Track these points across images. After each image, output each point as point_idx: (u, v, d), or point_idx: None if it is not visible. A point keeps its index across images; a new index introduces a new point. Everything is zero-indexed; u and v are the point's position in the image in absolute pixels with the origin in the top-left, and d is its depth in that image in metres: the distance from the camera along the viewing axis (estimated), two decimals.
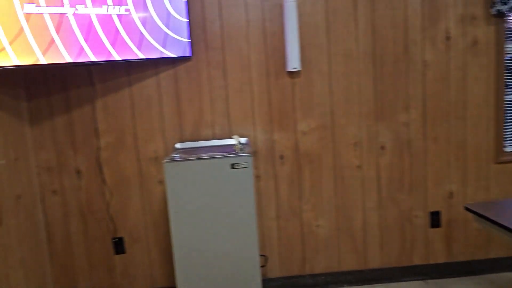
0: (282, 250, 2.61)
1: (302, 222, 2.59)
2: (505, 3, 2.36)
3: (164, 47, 2.28)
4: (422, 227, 2.62)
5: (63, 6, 1.93)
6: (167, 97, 2.45)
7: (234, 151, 2.13)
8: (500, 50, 2.48)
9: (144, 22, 2.20)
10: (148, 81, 2.43)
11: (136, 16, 2.17)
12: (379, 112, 2.50)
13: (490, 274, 2.64)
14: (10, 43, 1.80)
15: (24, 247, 2.28)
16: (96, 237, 2.56)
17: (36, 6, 1.86)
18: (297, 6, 2.35)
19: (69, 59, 1.97)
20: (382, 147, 2.53)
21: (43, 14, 1.88)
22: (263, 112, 2.47)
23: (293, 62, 2.37)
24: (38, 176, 2.49)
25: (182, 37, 2.34)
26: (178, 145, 2.42)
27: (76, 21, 1.98)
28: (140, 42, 2.20)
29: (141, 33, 2.20)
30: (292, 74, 2.45)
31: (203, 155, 2.10)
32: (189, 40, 2.36)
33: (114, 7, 2.09)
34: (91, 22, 2.02)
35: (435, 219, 2.61)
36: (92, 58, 2.05)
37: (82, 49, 2.01)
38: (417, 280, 2.62)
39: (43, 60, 1.90)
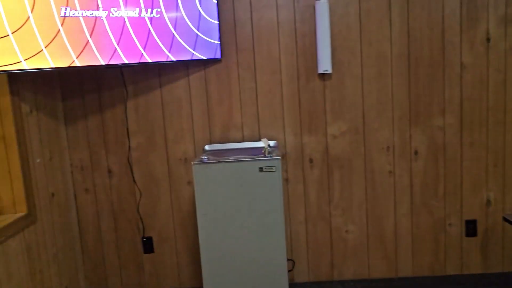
0: (310, 255, 2.57)
1: (331, 227, 2.54)
2: None
3: (194, 49, 2.29)
4: (456, 236, 2.52)
5: (98, 10, 1.97)
6: (197, 99, 2.46)
7: (263, 154, 2.11)
8: None
9: (175, 24, 2.21)
10: (178, 83, 2.45)
11: (167, 19, 2.18)
12: (413, 115, 2.42)
13: None
14: (46, 46, 1.85)
15: (57, 243, 2.35)
16: (126, 236, 2.60)
17: (72, 9, 1.90)
18: (329, 7, 2.31)
19: (102, 61, 2.01)
20: (416, 152, 2.45)
21: (79, 17, 1.92)
22: (292, 114, 2.44)
23: (324, 64, 2.32)
24: (71, 174, 2.56)
25: (212, 39, 2.34)
26: (207, 147, 2.43)
27: (109, 24, 2.01)
28: (171, 44, 2.21)
29: (173, 35, 2.21)
30: (323, 76, 2.40)
31: (232, 158, 2.09)
32: (219, 42, 2.36)
33: (146, 10, 2.11)
34: (124, 25, 2.05)
35: (470, 228, 2.50)
36: (125, 60, 2.08)
37: (115, 51, 2.05)
38: None
39: (77, 63, 1.94)
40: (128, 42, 2.08)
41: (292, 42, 2.39)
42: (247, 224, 2.10)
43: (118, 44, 2.05)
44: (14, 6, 1.75)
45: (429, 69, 2.38)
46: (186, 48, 2.26)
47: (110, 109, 2.49)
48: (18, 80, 2.06)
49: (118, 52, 2.05)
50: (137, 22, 2.09)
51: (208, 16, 2.31)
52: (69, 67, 1.92)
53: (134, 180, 2.54)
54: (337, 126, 2.45)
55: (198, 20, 2.28)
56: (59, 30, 1.88)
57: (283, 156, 2.48)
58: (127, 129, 2.50)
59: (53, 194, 2.34)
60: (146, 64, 2.16)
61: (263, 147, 2.29)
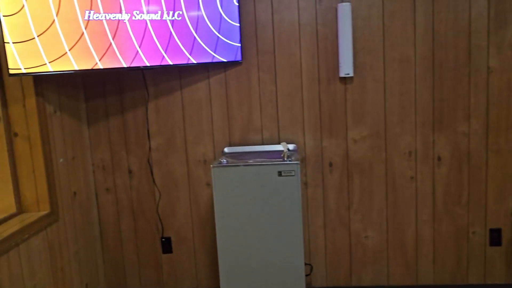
0: (328, 259, 2.54)
1: (350, 232, 2.51)
2: None
3: (215, 51, 2.29)
4: (480, 245, 2.45)
5: (120, 13, 1.99)
6: (217, 101, 2.46)
7: (282, 158, 2.10)
8: None
9: (196, 26, 2.22)
10: (198, 85, 2.46)
11: (189, 21, 2.19)
12: (436, 121, 2.37)
13: None
14: (70, 49, 1.88)
15: (79, 241, 2.39)
16: (145, 236, 2.63)
17: (95, 13, 1.93)
18: (351, 10, 2.28)
19: (124, 64, 2.04)
20: (439, 158, 2.40)
21: (102, 20, 1.95)
22: (313, 118, 2.42)
23: (346, 68, 2.29)
24: (93, 174, 2.60)
25: (233, 42, 2.34)
26: (226, 149, 2.43)
27: (132, 27, 2.03)
28: (192, 46, 2.22)
29: (194, 37, 2.22)
30: (344, 80, 2.37)
31: (251, 161, 2.09)
32: (240, 44, 2.36)
33: (168, 13, 2.12)
34: (146, 28, 2.07)
35: (495, 237, 2.43)
36: (146, 63, 2.10)
37: (136, 54, 2.07)
38: None
39: (100, 65, 1.97)
40: (150, 44, 2.10)
41: (313, 44, 2.37)
42: (265, 227, 2.09)
43: (140, 47, 2.07)
44: (40, 10, 1.79)
45: (454, 73, 2.32)
46: (207, 50, 2.27)
47: (131, 110, 2.52)
48: (43, 82, 2.10)
49: (140, 55, 2.07)
50: (159, 25, 2.11)
51: (229, 18, 2.31)
52: (92, 69, 1.95)
53: (153, 181, 2.57)
54: (358, 130, 2.41)
55: (219, 23, 2.28)
56: (83, 33, 1.91)
57: (303, 160, 2.47)
58: (148, 130, 2.52)
59: (75, 193, 2.39)
60: (167, 66, 2.18)
61: (282, 151, 2.28)
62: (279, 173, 2.04)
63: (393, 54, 2.34)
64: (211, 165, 2.07)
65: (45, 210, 2.11)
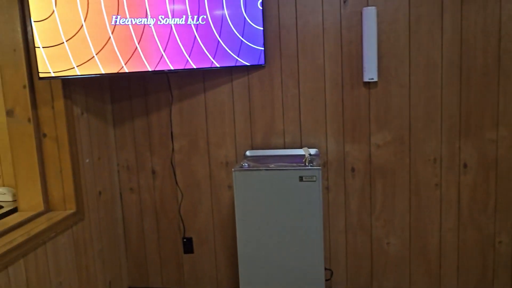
0: (349, 265, 2.52)
1: (372, 238, 2.48)
2: None
3: (238, 55, 2.30)
4: (507, 254, 2.38)
5: (146, 17, 2.03)
6: (240, 104, 2.47)
7: (303, 163, 2.09)
8: None
9: (220, 31, 2.23)
10: (222, 88, 2.48)
11: (213, 25, 2.21)
12: (463, 127, 2.31)
13: None
14: (97, 53, 1.93)
15: (103, 240, 2.45)
16: (167, 235, 2.67)
17: (122, 17, 1.97)
18: (377, 13, 2.25)
19: (149, 68, 2.07)
20: (465, 165, 2.34)
21: (129, 25, 1.99)
22: (335, 122, 2.40)
23: (370, 72, 2.27)
24: (118, 174, 2.66)
25: (256, 45, 2.34)
26: (248, 153, 2.44)
27: (157, 31, 2.07)
28: (216, 50, 2.24)
29: (217, 41, 2.24)
30: (368, 84, 2.34)
31: (272, 166, 2.09)
32: (263, 48, 2.36)
33: (193, 17, 2.15)
34: (171, 32, 2.10)
35: None
36: (170, 66, 2.13)
37: (161, 57, 2.10)
38: None
39: (126, 69, 2.01)
40: (174, 48, 2.12)
41: (337, 48, 2.35)
42: (285, 232, 2.10)
43: (164, 51, 2.10)
44: (69, 15, 1.84)
45: (483, 78, 2.26)
46: (230, 54, 2.28)
47: (155, 112, 2.56)
48: (71, 84, 2.16)
49: (164, 59, 2.11)
50: (184, 29, 2.13)
51: (253, 22, 2.31)
52: (118, 73, 1.99)
53: (176, 182, 2.60)
54: (382, 136, 2.38)
55: (243, 26, 2.29)
56: (109, 38, 1.95)
57: (324, 164, 2.45)
58: (171, 132, 2.56)
59: (100, 193, 2.45)
60: (191, 70, 2.20)
61: (304, 155, 2.27)
62: (300, 178, 2.03)
63: (419, 58, 2.29)
64: (233, 169, 2.08)
65: (71, 209, 2.17)
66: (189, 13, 2.14)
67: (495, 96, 2.27)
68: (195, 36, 2.17)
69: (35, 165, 2.11)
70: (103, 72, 1.95)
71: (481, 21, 2.22)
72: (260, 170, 2.07)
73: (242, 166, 2.10)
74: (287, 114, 2.44)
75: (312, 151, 2.38)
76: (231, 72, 2.46)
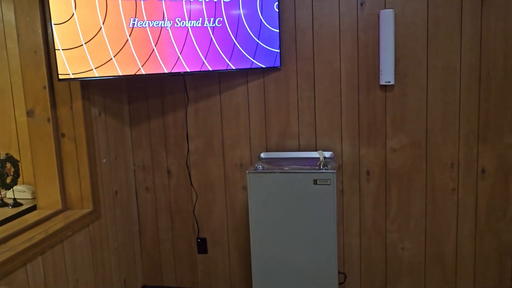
0: (363, 269, 2.51)
1: (386, 243, 2.46)
2: None
3: (254, 57, 2.31)
4: None
5: (163, 20, 2.05)
6: (255, 106, 2.48)
7: (318, 166, 2.08)
8: None
9: (236, 33, 2.24)
10: (237, 90, 2.49)
11: (229, 28, 2.22)
12: (481, 132, 2.27)
13: None
14: (115, 55, 1.95)
15: (118, 238, 2.49)
16: (182, 235, 2.70)
17: (139, 20, 1.99)
18: (394, 16, 2.22)
19: (165, 70, 2.09)
20: (483, 171, 2.30)
21: (146, 28, 2.01)
22: (351, 125, 2.39)
23: (387, 75, 2.24)
24: (134, 173, 2.69)
25: (272, 47, 2.34)
26: (262, 155, 2.44)
27: (173, 33, 2.08)
28: (232, 52, 2.25)
29: (233, 44, 2.25)
30: (384, 87, 2.32)
31: (286, 168, 2.09)
32: (279, 50, 2.36)
33: (209, 20, 2.16)
34: (187, 35, 2.12)
35: None
36: (187, 68, 2.14)
37: (178, 60, 2.12)
38: None
39: (143, 71, 2.03)
40: (191, 51, 2.14)
41: (353, 51, 2.33)
42: (299, 234, 2.09)
43: (181, 53, 2.12)
44: (88, 18, 1.87)
45: (503, 82, 2.22)
46: (246, 56, 2.29)
47: (171, 113, 2.58)
48: (89, 86, 2.20)
49: (180, 61, 2.12)
50: (200, 31, 2.15)
51: (269, 24, 2.32)
52: (135, 75, 2.02)
53: (191, 182, 2.62)
54: (398, 139, 2.36)
55: (259, 29, 2.29)
56: (127, 40, 1.98)
57: (339, 167, 2.44)
58: (187, 133, 2.58)
59: (116, 192, 2.48)
60: (207, 72, 2.21)
61: (318, 158, 2.26)
62: (315, 182, 2.03)
63: (437, 61, 2.26)
64: (247, 171, 2.09)
65: (88, 207, 2.21)
66: (205, 16, 2.15)
67: None
68: (211, 38, 2.19)
69: (54, 164, 2.15)
70: (121, 74, 1.98)
71: (502, 24, 2.18)
72: (274, 172, 2.08)
73: (256, 168, 2.11)
74: (302, 117, 2.44)
75: (327, 154, 2.37)
76: (246, 74, 2.46)
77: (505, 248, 2.34)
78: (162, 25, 2.05)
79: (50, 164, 2.15)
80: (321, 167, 2.06)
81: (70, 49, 1.85)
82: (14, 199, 2.31)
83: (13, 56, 2.45)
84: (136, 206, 2.73)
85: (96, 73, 1.93)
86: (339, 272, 2.45)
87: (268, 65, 2.35)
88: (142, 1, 1.99)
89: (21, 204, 2.32)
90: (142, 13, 2.00)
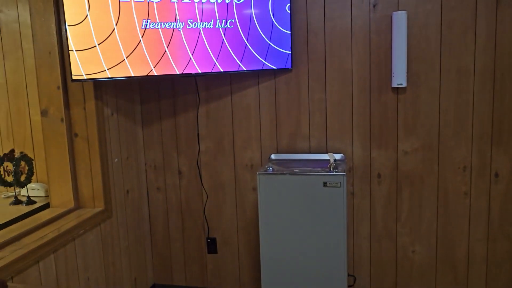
0: (373, 271, 2.49)
1: (397, 246, 2.44)
2: None
3: (265, 59, 2.31)
4: None
5: (175, 22, 2.06)
6: (266, 107, 2.48)
7: (328, 168, 2.08)
8: None
9: (248, 34, 2.25)
10: (248, 91, 2.49)
11: (240, 29, 2.23)
12: (495, 135, 2.24)
13: None
14: (128, 56, 1.97)
15: (129, 237, 2.51)
16: (192, 235, 2.71)
17: (152, 22, 2.01)
18: (407, 18, 2.20)
19: (177, 71, 2.11)
20: (496, 174, 2.27)
21: (158, 29, 2.03)
22: (362, 128, 2.38)
23: (399, 78, 2.23)
24: (145, 173, 2.72)
25: (284, 49, 2.34)
26: (273, 156, 2.45)
27: (185, 35, 2.10)
28: (243, 54, 2.26)
29: (245, 45, 2.25)
30: (396, 90, 2.31)
31: (296, 170, 2.09)
32: (290, 52, 2.36)
33: (221, 21, 2.17)
34: (199, 36, 2.13)
35: None
36: (198, 70, 2.15)
37: (189, 61, 2.13)
38: None
39: (155, 72, 2.05)
40: (202, 52, 2.15)
41: (365, 53, 2.32)
42: (309, 236, 2.09)
43: (192, 54, 2.13)
44: (102, 20, 1.89)
45: None
46: (257, 58, 2.29)
47: (183, 113, 2.60)
48: (102, 86, 2.22)
49: (192, 62, 2.14)
50: (212, 33, 2.16)
51: (280, 26, 2.32)
52: (147, 76, 2.04)
53: (201, 183, 2.64)
54: (410, 142, 2.34)
55: (271, 30, 2.30)
56: (139, 41, 2.00)
57: (350, 169, 2.43)
58: (198, 133, 2.59)
59: (128, 191, 2.51)
60: (218, 73, 2.22)
61: (329, 161, 2.26)
62: (325, 184, 2.02)
63: (451, 64, 2.23)
64: (257, 173, 2.10)
65: (99, 206, 2.24)
66: (217, 17, 2.16)
67: None
68: (223, 39, 2.19)
69: (67, 164, 2.18)
70: (133, 75, 2.00)
71: None
72: (284, 174, 2.08)
73: (266, 170, 2.11)
74: (313, 118, 2.43)
75: (338, 156, 2.36)
76: (257, 75, 2.47)
77: None
78: (174, 27, 2.07)
79: (63, 163, 2.18)
80: (332, 170, 2.05)
81: (84, 50, 1.88)
82: (28, 196, 2.34)
83: (29, 56, 2.49)
84: (147, 206, 2.75)
85: (108, 74, 1.95)
86: (348, 275, 2.44)
87: (279, 67, 2.35)
88: (154, 3, 2.00)
89: (34, 202, 2.35)
90: (155, 15, 2.01)
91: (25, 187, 2.35)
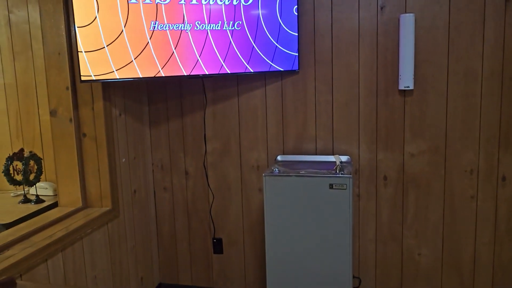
0: (378, 274, 2.49)
1: (403, 248, 2.44)
2: None
3: (272, 60, 2.32)
4: None
5: (183, 23, 2.08)
6: (272, 109, 2.49)
7: (334, 170, 2.08)
8: None
9: (255, 36, 2.26)
10: (255, 92, 2.50)
11: (248, 31, 2.24)
12: (503, 138, 2.23)
13: None
14: (136, 58, 1.99)
15: (136, 237, 2.53)
16: (198, 235, 2.73)
17: (160, 23, 2.02)
18: (415, 20, 2.20)
19: (184, 72, 2.12)
20: (504, 178, 2.26)
21: (166, 31, 2.05)
22: (368, 130, 2.38)
23: (406, 80, 2.22)
24: (152, 173, 2.74)
25: (291, 51, 2.35)
26: (279, 157, 2.45)
27: (193, 36, 2.11)
28: (250, 55, 2.27)
29: (252, 47, 2.26)
30: (403, 92, 2.30)
31: (302, 172, 2.09)
32: (297, 54, 2.37)
33: (228, 23, 2.18)
34: (206, 38, 2.14)
35: None
36: (205, 71, 2.17)
37: (197, 62, 2.15)
38: None
39: (162, 73, 2.07)
40: (210, 54, 2.17)
41: (372, 55, 2.32)
42: (314, 238, 2.10)
43: (200, 56, 2.14)
44: (110, 21, 1.91)
45: None
46: (264, 59, 2.30)
47: (190, 114, 2.62)
48: (110, 87, 2.25)
49: (199, 63, 2.15)
50: (219, 34, 2.17)
51: (287, 28, 2.32)
52: (154, 77, 2.05)
53: (208, 183, 2.65)
54: (416, 145, 2.33)
55: (278, 32, 2.30)
56: (147, 43, 2.01)
57: (356, 171, 2.43)
58: (205, 134, 2.61)
59: (135, 191, 2.53)
60: (225, 75, 2.24)
61: (335, 163, 2.26)
62: (331, 186, 2.03)
63: (458, 67, 2.23)
64: (263, 174, 2.11)
65: (107, 206, 2.26)
66: (225, 19, 2.17)
67: None
68: (230, 41, 2.21)
69: (75, 163, 2.21)
70: (141, 76, 2.02)
71: None
72: (290, 176, 2.08)
73: (272, 171, 2.12)
74: (319, 120, 2.43)
75: (344, 158, 2.36)
76: (264, 77, 2.47)
77: None
78: (182, 28, 2.08)
79: (72, 162, 2.21)
80: (338, 172, 2.06)
81: (93, 51, 1.90)
82: (37, 195, 2.37)
83: (38, 57, 2.52)
84: (154, 206, 2.77)
85: (117, 75, 1.97)
86: (353, 277, 2.44)
87: (286, 68, 2.36)
88: (163, 4, 2.02)
89: (43, 201, 2.38)
90: (163, 16, 2.03)
91: (34, 186, 2.39)
